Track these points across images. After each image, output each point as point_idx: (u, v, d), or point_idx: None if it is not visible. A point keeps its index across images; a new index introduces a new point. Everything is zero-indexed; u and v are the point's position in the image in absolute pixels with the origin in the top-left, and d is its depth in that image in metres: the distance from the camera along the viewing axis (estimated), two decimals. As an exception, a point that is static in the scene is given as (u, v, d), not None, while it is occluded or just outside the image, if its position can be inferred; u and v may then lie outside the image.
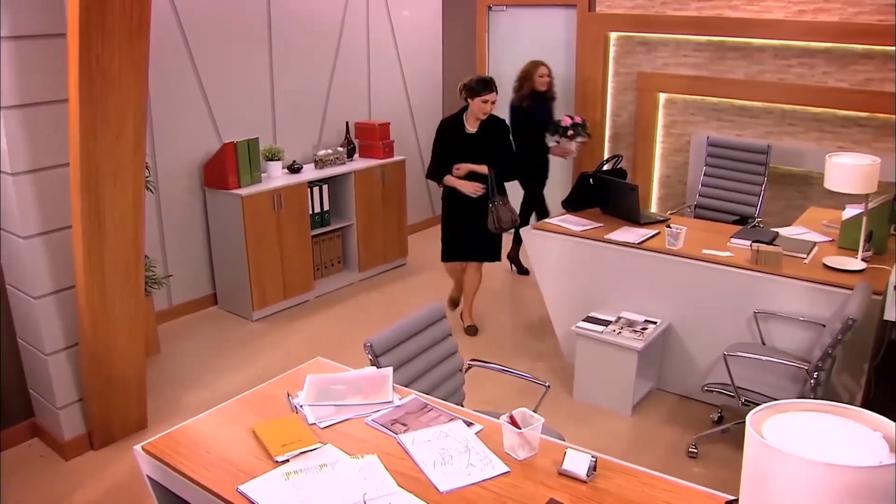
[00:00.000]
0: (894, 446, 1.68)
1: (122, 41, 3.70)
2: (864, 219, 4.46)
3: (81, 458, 4.38)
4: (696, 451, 4.39)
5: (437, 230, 8.52)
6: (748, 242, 4.73)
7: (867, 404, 4.32)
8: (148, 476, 2.77)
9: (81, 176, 3.80)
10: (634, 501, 2.40)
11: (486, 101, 5.40)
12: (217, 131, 6.18)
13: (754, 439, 1.69)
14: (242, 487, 2.45)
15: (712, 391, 4.16)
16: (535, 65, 6.61)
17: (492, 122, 5.56)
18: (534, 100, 6.59)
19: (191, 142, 6.05)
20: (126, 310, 4.30)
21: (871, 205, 4.48)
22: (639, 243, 4.92)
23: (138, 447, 2.75)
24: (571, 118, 6.40)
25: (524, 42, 7.78)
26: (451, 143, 5.56)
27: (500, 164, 5.55)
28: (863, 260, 4.47)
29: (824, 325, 4.09)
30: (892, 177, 5.31)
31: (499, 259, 5.89)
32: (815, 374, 3.80)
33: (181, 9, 5.77)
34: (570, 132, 6.26)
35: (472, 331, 5.93)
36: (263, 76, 6.49)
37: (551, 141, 6.70)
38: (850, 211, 4.81)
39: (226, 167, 5.91)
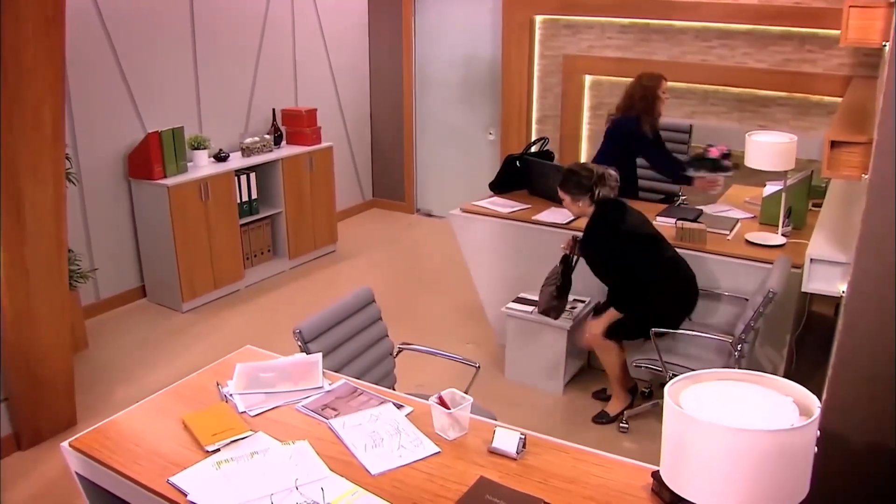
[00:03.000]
0: (806, 410, 1.75)
1: (36, 30, 3.62)
2: (784, 195, 4.58)
3: (9, 460, 4.27)
4: (626, 426, 4.48)
5: (367, 215, 8.57)
6: (673, 220, 4.81)
7: (790, 374, 4.45)
8: (76, 473, 2.72)
9: (-3, 169, 3.71)
10: (564, 476, 2.44)
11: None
12: (141, 121, 6.05)
13: (672, 409, 1.74)
14: (173, 479, 2.43)
15: (641, 367, 4.25)
16: (658, 79, 5.31)
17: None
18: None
19: (114, 132, 5.91)
20: (51, 305, 4.21)
21: (789, 181, 4.61)
22: (566, 223, 4.98)
23: (65, 444, 2.70)
24: (715, 147, 5.29)
25: (450, 28, 7.78)
26: None
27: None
28: (783, 235, 4.60)
29: (747, 300, 4.19)
30: (809, 154, 5.45)
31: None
32: (739, 347, 3.91)
33: (100, -3, 5.64)
34: (727, 162, 5.17)
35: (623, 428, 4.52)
36: (187, 64, 6.38)
37: (695, 173, 5.42)
38: (771, 188, 4.93)
39: (151, 157, 5.79)
